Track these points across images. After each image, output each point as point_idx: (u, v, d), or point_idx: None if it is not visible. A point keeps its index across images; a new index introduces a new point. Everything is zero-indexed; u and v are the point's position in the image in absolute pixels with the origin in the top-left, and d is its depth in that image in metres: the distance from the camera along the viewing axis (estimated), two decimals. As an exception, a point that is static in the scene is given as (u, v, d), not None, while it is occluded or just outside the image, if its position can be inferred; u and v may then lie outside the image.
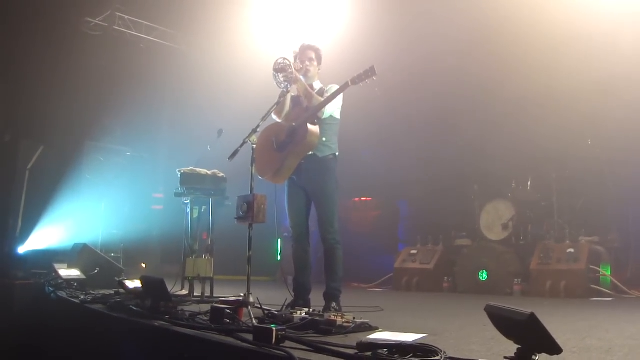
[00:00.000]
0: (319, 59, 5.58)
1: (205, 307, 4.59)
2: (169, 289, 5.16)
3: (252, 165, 4.65)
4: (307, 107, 5.31)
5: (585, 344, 3.42)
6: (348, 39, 9.13)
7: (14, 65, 10.76)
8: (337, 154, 5.43)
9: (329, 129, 5.34)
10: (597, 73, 8.38)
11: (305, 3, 10.69)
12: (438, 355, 2.60)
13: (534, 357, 2.40)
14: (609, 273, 8.22)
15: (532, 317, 2.30)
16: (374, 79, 4.78)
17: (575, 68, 8.55)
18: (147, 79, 12.23)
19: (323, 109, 5.13)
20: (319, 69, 5.62)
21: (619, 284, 8.06)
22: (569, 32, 8.41)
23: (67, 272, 7.69)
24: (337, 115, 5.45)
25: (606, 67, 8.32)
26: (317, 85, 5.53)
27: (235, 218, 4.72)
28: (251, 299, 4.31)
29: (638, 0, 8.23)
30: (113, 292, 6.37)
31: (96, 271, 7.85)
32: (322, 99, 5.16)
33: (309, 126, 5.15)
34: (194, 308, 5.09)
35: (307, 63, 5.49)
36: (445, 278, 9.42)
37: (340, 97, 5.30)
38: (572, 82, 8.59)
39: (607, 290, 7.92)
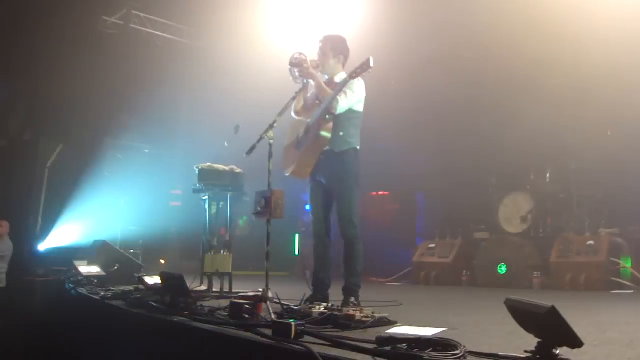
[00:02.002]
0: (337, 50, 5.43)
1: (224, 303, 4.60)
2: (188, 285, 5.18)
3: (269, 161, 4.66)
4: (320, 103, 5.27)
5: (606, 337, 3.39)
6: (365, 31, 9.08)
7: (33, 65, 10.87)
8: (357, 147, 5.32)
9: (347, 123, 5.24)
10: (616, 63, 8.28)
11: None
12: (458, 350, 2.58)
13: (554, 350, 2.38)
14: (629, 265, 8.13)
15: (553, 310, 2.28)
16: (370, 71, 4.73)
17: (594, 58, 8.46)
18: (164, 76, 12.28)
19: (336, 105, 5.06)
20: (341, 61, 5.47)
21: (639, 276, 8.00)
22: (587, 21, 8.32)
23: (87, 269, 7.77)
24: (358, 109, 5.31)
25: (625, 57, 8.22)
26: (340, 77, 5.31)
27: (253, 214, 4.73)
28: (270, 294, 4.32)
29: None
30: (133, 289, 6.40)
31: (116, 268, 7.92)
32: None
33: (320, 122, 5.11)
34: (213, 303, 5.11)
35: (321, 56, 5.44)
36: (464, 272, 9.39)
37: (360, 90, 5.22)
38: (591, 72, 8.50)
39: (628, 283, 7.84)
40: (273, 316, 3.90)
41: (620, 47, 8.27)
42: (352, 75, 4.81)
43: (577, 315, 4.41)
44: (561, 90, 8.95)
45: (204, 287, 6.84)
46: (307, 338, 3.10)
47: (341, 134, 5.20)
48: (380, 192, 12.80)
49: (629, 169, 8.90)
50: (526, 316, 2.48)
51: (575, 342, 2.32)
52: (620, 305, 5.90)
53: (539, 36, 8.79)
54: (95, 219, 10.16)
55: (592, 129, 8.90)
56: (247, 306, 3.97)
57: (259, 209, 4.63)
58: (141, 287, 6.28)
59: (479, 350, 2.68)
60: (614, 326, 3.91)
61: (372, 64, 4.64)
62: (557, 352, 2.38)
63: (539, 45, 8.89)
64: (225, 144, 7.14)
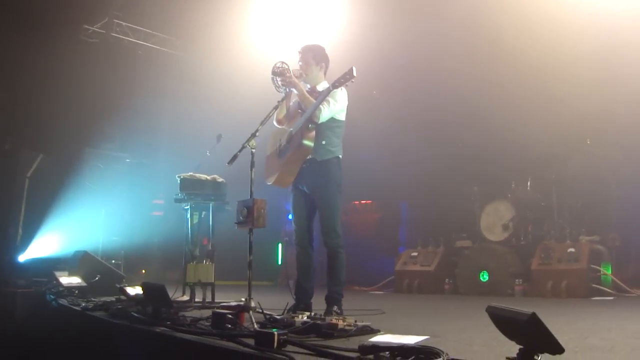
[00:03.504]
0: (319, 59, 5.49)
1: (207, 313, 4.58)
2: (170, 295, 5.15)
3: (251, 170, 4.65)
4: (303, 112, 5.29)
5: (587, 344, 3.42)
6: (348, 41, 9.14)
7: (13, 73, 10.77)
8: (340, 156, 5.37)
9: (329, 132, 5.28)
10: (596, 72, 8.39)
11: (304, 7, 10.71)
12: (440, 357, 2.59)
13: (536, 357, 2.39)
14: (610, 272, 8.21)
15: (534, 317, 2.29)
16: (353, 81, 4.76)
17: (575, 67, 8.56)
18: (146, 86, 12.24)
19: (319, 114, 5.08)
20: (323, 69, 5.53)
21: (620, 282, 8.05)
22: (568, 31, 8.41)
23: (68, 280, 7.69)
24: (340, 117, 5.36)
25: (605, 66, 8.34)
26: (322, 86, 5.39)
27: (236, 223, 4.72)
28: (252, 304, 4.31)
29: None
30: (114, 299, 6.35)
31: (97, 278, 7.84)
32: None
33: (303, 131, 5.14)
34: (196, 314, 5.08)
35: (304, 66, 5.47)
36: (446, 280, 9.41)
37: (342, 99, 5.26)
38: (572, 81, 8.59)
39: (608, 290, 7.92)
40: (256, 326, 3.89)
41: (600, 57, 8.38)
42: (335, 85, 4.83)
43: (558, 322, 4.44)
44: (542, 100, 9.03)
45: (186, 298, 6.80)
46: (290, 347, 3.09)
47: (323, 142, 5.23)
48: (363, 201, 12.81)
49: (608, 177, 9.02)
50: (508, 323, 2.49)
51: (556, 349, 2.34)
52: (600, 312, 5.94)
53: (521, 47, 8.87)
54: (77, 229, 10.05)
55: (572, 138, 9.00)
56: (230, 316, 3.96)
57: (241, 218, 4.62)
58: (123, 297, 6.24)
59: (461, 358, 2.70)
60: (595, 333, 3.93)
61: (355, 74, 4.68)
62: (539, 358, 2.39)
63: (521, 56, 8.97)
64: (207, 153, 7.12)
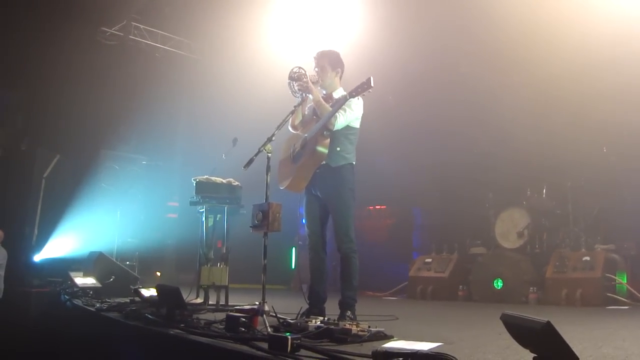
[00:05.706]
0: (334, 65, 5.48)
1: (221, 316, 4.60)
2: (184, 298, 5.17)
3: (267, 174, 4.67)
4: (318, 118, 5.30)
5: (602, 353, 3.40)
6: (364, 47, 9.15)
7: (30, 75, 10.87)
8: (353, 163, 5.37)
9: (344, 139, 5.28)
10: (612, 80, 8.34)
11: (321, 12, 10.72)
12: (454, 364, 2.59)
13: (550, 365, 2.39)
14: (625, 281, 8.15)
15: (548, 325, 2.29)
16: (370, 91, 4.75)
17: (591, 75, 8.53)
18: (163, 88, 12.30)
19: (335, 121, 5.08)
20: (339, 75, 5.53)
21: (635, 292, 7.98)
22: (584, 39, 8.37)
23: (83, 280, 7.75)
24: (355, 125, 5.36)
25: (622, 74, 8.28)
26: (338, 93, 5.39)
27: (251, 227, 4.73)
28: (266, 308, 4.32)
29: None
30: (128, 301, 6.40)
31: (111, 279, 7.89)
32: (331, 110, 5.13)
33: (317, 138, 5.14)
34: (209, 316, 5.10)
35: (320, 72, 5.48)
36: (460, 286, 9.38)
37: (358, 108, 5.25)
38: (588, 89, 8.56)
39: (623, 299, 7.86)
40: (269, 329, 3.91)
41: (617, 65, 8.33)
42: (352, 94, 4.82)
43: (572, 331, 4.42)
44: (558, 107, 9.00)
45: (200, 300, 6.82)
46: (303, 352, 3.10)
47: (338, 149, 5.24)
48: (377, 207, 12.79)
49: (624, 185, 8.94)
50: (522, 331, 2.49)
51: (570, 358, 2.33)
52: (615, 321, 5.90)
53: (536, 53, 8.84)
54: (92, 230, 10.10)
55: (588, 145, 8.94)
56: (244, 319, 3.97)
57: (256, 222, 4.64)
58: (137, 299, 6.28)
59: (475, 365, 2.70)
60: (610, 342, 3.91)
61: (372, 84, 4.67)
62: (553, 367, 2.39)
63: (537, 62, 8.94)
64: (223, 156, 7.14)
